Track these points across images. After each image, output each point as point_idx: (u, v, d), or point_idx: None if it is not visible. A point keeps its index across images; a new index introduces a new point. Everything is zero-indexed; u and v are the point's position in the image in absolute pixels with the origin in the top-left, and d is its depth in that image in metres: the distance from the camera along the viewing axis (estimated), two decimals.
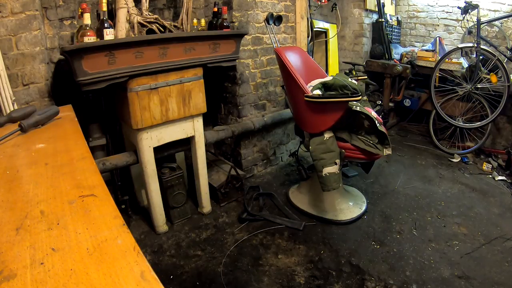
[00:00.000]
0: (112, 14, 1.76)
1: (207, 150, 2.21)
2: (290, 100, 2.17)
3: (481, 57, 2.82)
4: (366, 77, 2.54)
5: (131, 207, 2.15)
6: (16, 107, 1.53)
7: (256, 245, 1.87)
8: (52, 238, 0.47)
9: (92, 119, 1.97)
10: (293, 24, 2.74)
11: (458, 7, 3.00)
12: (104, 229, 0.49)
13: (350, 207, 2.12)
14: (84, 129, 1.64)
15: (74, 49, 1.40)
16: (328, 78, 2.01)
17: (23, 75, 1.62)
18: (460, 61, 3.07)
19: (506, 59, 2.82)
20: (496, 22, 3.22)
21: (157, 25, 1.87)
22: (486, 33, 3.37)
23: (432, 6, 3.87)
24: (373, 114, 1.85)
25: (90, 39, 1.51)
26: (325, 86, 1.96)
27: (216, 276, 1.64)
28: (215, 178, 2.30)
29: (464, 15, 2.93)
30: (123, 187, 2.07)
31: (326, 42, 3.44)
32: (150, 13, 1.89)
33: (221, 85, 2.59)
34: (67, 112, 1.20)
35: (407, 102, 3.60)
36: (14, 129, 0.94)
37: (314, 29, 3.03)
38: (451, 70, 3.08)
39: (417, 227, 1.98)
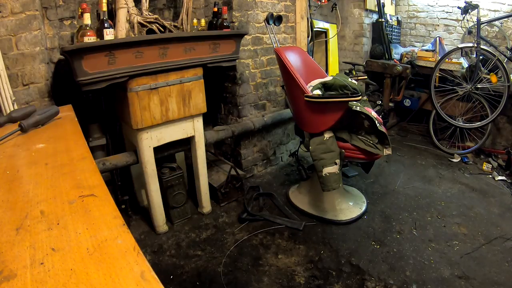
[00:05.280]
0: (112, 14, 1.76)
1: (207, 150, 2.21)
2: (290, 100, 2.17)
3: (481, 57, 2.82)
4: (366, 77, 2.55)
5: (131, 207, 2.15)
6: (16, 107, 1.53)
7: (256, 245, 1.87)
8: (52, 238, 0.47)
9: (92, 119, 1.97)
10: (293, 24, 2.74)
11: (458, 7, 3.00)
12: (104, 229, 0.49)
13: (350, 207, 2.12)
14: (84, 129, 1.64)
15: (74, 49, 1.40)
16: (328, 78, 2.01)
17: (23, 75, 1.62)
18: (460, 61, 3.07)
19: (506, 59, 2.82)
20: (496, 22, 3.22)
21: (157, 25, 1.87)
22: (486, 33, 3.37)
23: (432, 6, 3.87)
24: (373, 114, 1.85)
25: (90, 39, 1.52)
26: (325, 86, 1.96)
27: (216, 276, 1.64)
28: (215, 178, 2.30)
29: (464, 15, 2.93)
30: (123, 187, 2.07)
31: (326, 42, 3.44)
32: (150, 13, 1.89)
33: (221, 85, 2.59)
34: (67, 112, 1.20)
35: (407, 102, 3.60)
36: (14, 129, 0.94)
37: (314, 29, 3.03)
38: (451, 70, 3.08)
39: (417, 227, 1.98)
